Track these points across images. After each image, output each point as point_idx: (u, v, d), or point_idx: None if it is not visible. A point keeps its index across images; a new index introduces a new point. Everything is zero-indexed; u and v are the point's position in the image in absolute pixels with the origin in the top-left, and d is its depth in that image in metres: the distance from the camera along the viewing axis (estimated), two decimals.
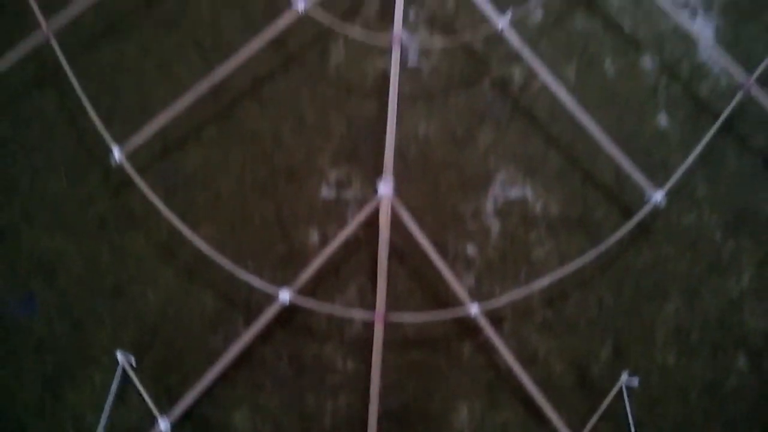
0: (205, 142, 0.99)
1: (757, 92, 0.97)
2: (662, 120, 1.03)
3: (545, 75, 0.97)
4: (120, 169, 0.90)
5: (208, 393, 0.85)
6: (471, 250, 0.95)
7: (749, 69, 1.01)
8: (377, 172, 0.93)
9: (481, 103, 1.04)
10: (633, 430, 0.85)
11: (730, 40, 1.09)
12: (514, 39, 0.98)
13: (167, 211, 0.88)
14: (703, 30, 1.10)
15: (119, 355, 0.85)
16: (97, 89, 0.99)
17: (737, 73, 0.98)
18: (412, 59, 1.07)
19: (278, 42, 1.00)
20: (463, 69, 1.06)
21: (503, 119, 1.03)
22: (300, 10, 0.98)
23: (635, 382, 0.87)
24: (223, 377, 0.86)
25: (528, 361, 0.88)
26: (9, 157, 0.97)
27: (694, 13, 1.11)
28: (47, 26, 0.95)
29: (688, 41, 1.05)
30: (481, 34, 1.01)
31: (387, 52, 1.00)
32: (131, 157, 0.91)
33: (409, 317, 0.87)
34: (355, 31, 1.01)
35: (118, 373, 0.84)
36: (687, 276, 0.94)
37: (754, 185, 0.99)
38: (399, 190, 0.92)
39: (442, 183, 0.98)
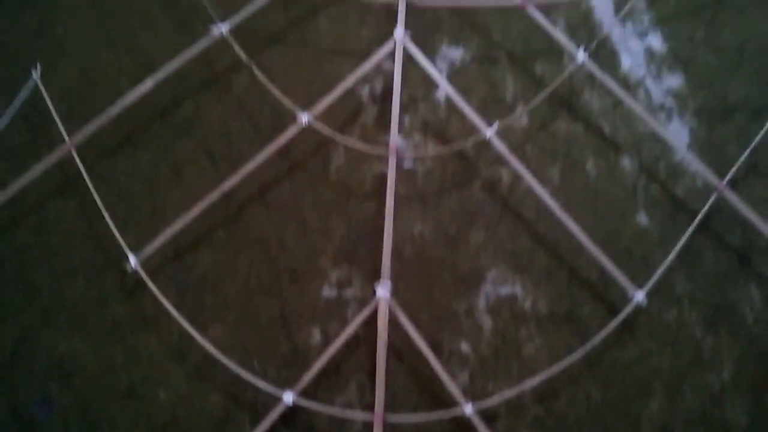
0: (215, 245, 1.05)
1: (729, 195, 1.04)
2: (642, 219, 1.10)
3: (530, 178, 1.04)
4: (135, 273, 0.96)
5: None
6: (465, 347, 0.99)
7: (723, 168, 1.08)
8: (376, 271, 0.99)
9: (472, 204, 1.11)
10: None
11: (704, 141, 1.17)
12: (500, 146, 1.06)
13: (178, 315, 0.93)
14: (678, 132, 1.18)
15: None
16: (114, 196, 1.06)
17: (710, 176, 1.05)
18: (408, 162, 1.15)
19: (283, 150, 1.07)
20: (454, 171, 1.14)
21: (493, 219, 1.10)
22: (303, 123, 1.06)
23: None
24: None
25: None
26: (31, 263, 1.03)
27: (669, 116, 1.19)
28: (70, 141, 1.03)
29: (664, 142, 1.12)
30: (471, 141, 1.09)
31: (384, 157, 1.08)
32: (145, 262, 0.97)
33: (406, 418, 0.91)
34: (353, 142, 1.09)
35: None
36: (669, 371, 0.98)
37: (731, 282, 1.05)
38: (396, 290, 0.97)
39: (437, 282, 1.04)
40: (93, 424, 0.93)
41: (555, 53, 1.21)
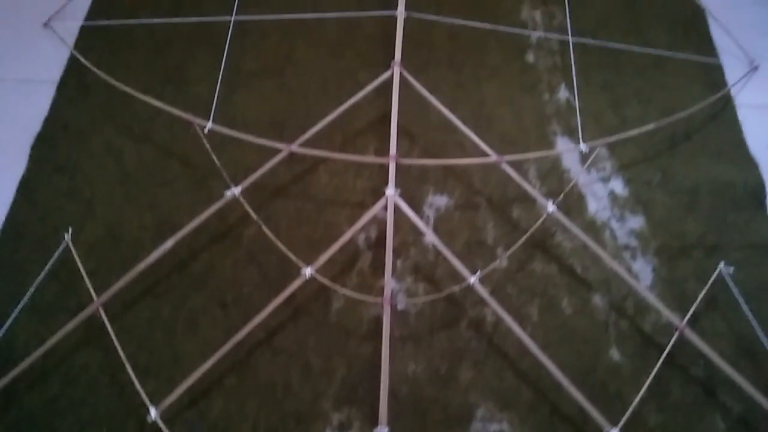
0: (227, 391, 1.15)
1: (689, 333, 1.15)
2: (614, 354, 1.21)
3: (510, 321, 1.15)
4: (154, 423, 1.06)
5: None
6: None
7: (685, 303, 1.20)
8: (374, 413, 1.07)
9: (460, 342, 1.22)
10: None
11: (666, 278, 1.30)
12: (483, 292, 1.18)
13: None
14: (642, 270, 1.31)
15: None
16: (135, 345, 1.16)
17: (671, 317, 1.17)
18: (401, 304, 1.26)
19: (288, 298, 1.18)
20: (443, 312, 1.25)
21: (480, 356, 1.20)
22: (306, 276, 1.18)
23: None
24: None
25: None
26: (59, 413, 1.12)
27: (633, 255, 1.33)
28: (98, 300, 1.15)
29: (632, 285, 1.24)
30: (457, 287, 1.21)
31: (380, 303, 1.19)
32: (164, 412, 1.06)
33: None
34: (351, 292, 1.21)
35: None
36: None
37: (698, 413, 1.14)
38: (392, 428, 1.06)
39: (430, 421, 1.13)
40: None
41: (529, 199, 1.36)
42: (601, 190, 1.41)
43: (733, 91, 1.58)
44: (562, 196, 1.32)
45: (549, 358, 1.11)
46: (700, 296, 1.20)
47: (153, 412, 1.05)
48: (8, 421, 1.10)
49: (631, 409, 1.08)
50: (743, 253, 1.32)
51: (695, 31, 1.70)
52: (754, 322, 1.19)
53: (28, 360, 1.11)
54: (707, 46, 1.67)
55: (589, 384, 1.13)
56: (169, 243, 1.22)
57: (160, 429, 1.05)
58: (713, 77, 1.61)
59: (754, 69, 1.62)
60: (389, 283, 1.20)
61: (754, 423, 1.13)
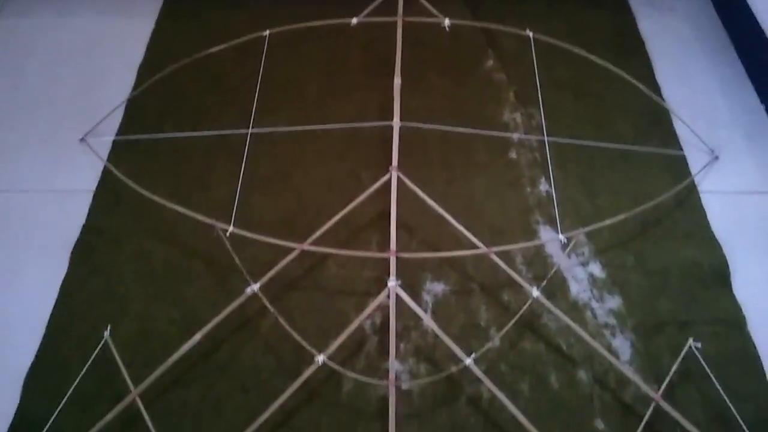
0: None
1: (665, 407, 1.28)
2: (599, 424, 1.33)
3: (503, 398, 1.28)
4: None
5: None
6: None
7: (662, 375, 1.34)
8: None
9: (460, 418, 1.35)
10: None
11: (642, 353, 1.44)
12: (479, 372, 1.31)
13: None
14: (621, 345, 1.45)
15: None
16: (165, 430, 1.28)
17: (648, 390, 1.30)
18: (405, 384, 1.40)
19: (303, 382, 1.32)
20: (443, 390, 1.39)
21: (478, 430, 1.33)
22: (319, 363, 1.32)
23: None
24: None
25: None
26: None
27: (613, 333, 1.47)
28: (135, 390, 1.29)
29: (611, 355, 1.38)
30: (455, 369, 1.34)
31: (386, 385, 1.32)
32: None
33: None
34: (359, 375, 1.35)
35: None
36: None
37: None
38: None
39: None
40: None
41: (517, 284, 1.50)
42: (581, 273, 1.57)
43: (696, 180, 1.76)
44: (545, 282, 1.48)
45: (541, 430, 1.24)
46: (673, 369, 1.34)
47: None
48: None
49: None
50: (711, 328, 1.46)
51: (660, 125, 1.90)
52: (723, 392, 1.32)
53: None
54: (671, 138, 1.87)
55: None
56: (198, 337, 1.36)
57: None
58: (678, 167, 1.80)
59: (715, 159, 1.81)
60: (393, 365, 1.33)
61: None
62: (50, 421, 1.29)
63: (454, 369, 1.35)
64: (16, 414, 1.34)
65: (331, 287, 1.55)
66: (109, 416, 1.26)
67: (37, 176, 1.77)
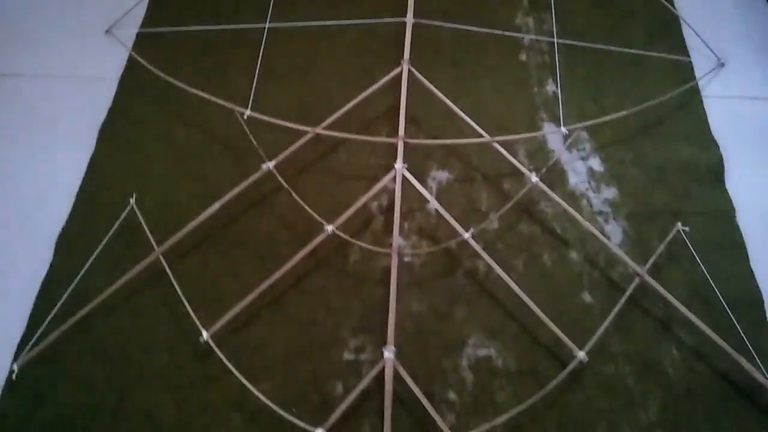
0: (263, 322, 1.38)
1: (648, 279, 1.37)
2: (587, 297, 1.43)
3: (499, 270, 1.38)
4: (206, 344, 1.30)
5: None
6: (452, 395, 1.29)
7: (649, 258, 1.42)
8: (384, 340, 1.30)
9: (457, 288, 1.45)
10: None
11: (634, 238, 1.52)
12: (476, 246, 1.41)
13: (239, 374, 1.25)
14: (614, 231, 1.54)
15: None
16: (187, 289, 1.39)
17: (634, 266, 1.39)
18: (407, 257, 1.50)
19: (313, 250, 1.42)
20: (443, 263, 1.49)
21: (473, 298, 1.43)
22: (329, 232, 1.43)
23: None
24: None
25: None
26: (126, 340, 1.36)
27: (606, 220, 1.55)
28: (158, 249, 1.41)
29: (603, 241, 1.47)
30: (454, 241, 1.44)
31: (389, 254, 1.42)
32: (211, 336, 1.30)
33: None
34: (366, 245, 1.46)
35: None
36: (608, 411, 1.26)
37: (656, 344, 1.35)
38: (399, 353, 1.28)
39: (430, 347, 1.36)
40: None
41: (518, 173, 1.59)
42: (580, 167, 1.64)
43: (700, 84, 1.80)
44: (545, 169, 1.55)
45: (531, 299, 1.34)
46: (660, 249, 1.43)
47: (205, 334, 1.29)
48: (86, 344, 1.35)
49: (596, 337, 1.30)
50: (702, 218, 1.53)
51: (670, 33, 1.93)
52: (707, 273, 1.41)
53: (101, 296, 1.35)
54: (680, 46, 1.90)
55: (564, 320, 1.34)
56: (216, 205, 1.47)
57: (209, 349, 1.29)
58: (684, 73, 1.84)
59: (721, 65, 1.85)
60: (397, 237, 1.44)
61: (703, 353, 1.34)
62: (78, 277, 1.39)
63: (453, 242, 1.45)
64: (48, 272, 1.45)
65: (342, 172, 1.64)
66: (134, 271, 1.38)
67: (64, 64, 1.85)
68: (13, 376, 1.28)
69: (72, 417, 1.27)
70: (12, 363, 1.30)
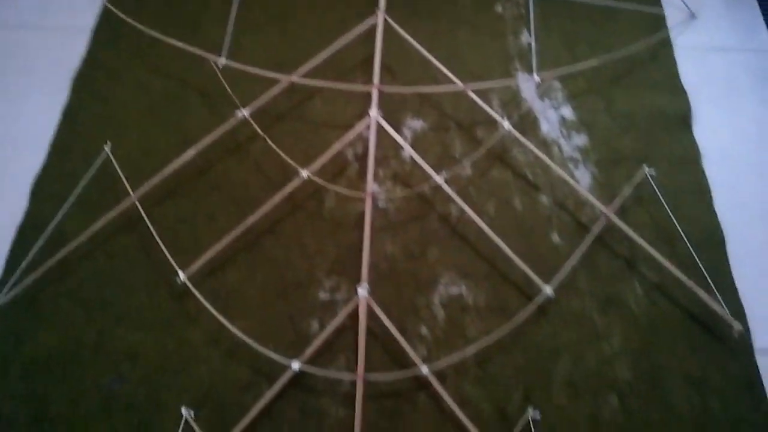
0: (239, 265, 1.41)
1: (614, 219, 1.41)
2: (555, 238, 1.47)
3: (471, 212, 1.42)
4: (183, 285, 1.32)
5: None
6: (424, 330, 1.33)
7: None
8: (359, 280, 1.33)
9: (430, 231, 1.48)
10: None
11: (602, 183, 1.56)
12: (449, 190, 1.44)
13: (215, 312, 1.28)
14: (583, 176, 1.57)
15: (183, 410, 1.21)
16: (163, 234, 1.41)
17: (600, 206, 1.43)
18: (381, 203, 1.53)
19: (289, 195, 1.45)
20: (416, 208, 1.52)
21: (445, 241, 1.46)
22: (304, 177, 1.45)
23: (538, 415, 1.21)
24: (255, 423, 1.19)
25: (464, 403, 1.21)
26: (105, 282, 1.38)
27: (576, 165, 1.59)
28: (134, 194, 1.42)
29: (572, 184, 1.50)
30: (427, 186, 1.47)
31: (364, 199, 1.45)
32: (188, 278, 1.33)
33: (380, 377, 1.23)
34: (340, 189, 1.48)
35: (183, 422, 1.20)
36: (574, 343, 1.31)
37: (620, 280, 1.40)
38: (373, 292, 1.32)
39: (403, 285, 1.39)
40: (154, 391, 1.26)
41: (491, 122, 1.62)
42: (552, 116, 1.67)
43: (672, 35, 1.83)
44: (517, 116, 1.58)
45: (501, 241, 1.37)
46: (626, 190, 1.47)
47: (181, 275, 1.32)
48: (64, 287, 1.37)
49: (563, 274, 1.34)
50: (668, 163, 1.57)
51: None
52: (672, 215, 1.45)
53: (77, 239, 1.37)
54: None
55: (533, 260, 1.37)
56: (191, 152, 1.48)
57: (186, 290, 1.32)
58: (656, 25, 1.86)
59: (692, 17, 1.87)
60: (371, 181, 1.46)
61: (666, 289, 1.38)
62: (54, 222, 1.41)
63: (426, 186, 1.48)
64: (24, 218, 1.46)
65: (317, 121, 1.65)
66: (110, 214, 1.40)
67: (38, 13, 1.84)
68: None
69: (53, 355, 1.29)
70: None
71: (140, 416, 1.23)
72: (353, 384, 1.23)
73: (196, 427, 1.19)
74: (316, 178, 1.44)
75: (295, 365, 1.23)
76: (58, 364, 1.28)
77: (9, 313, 1.32)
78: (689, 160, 1.59)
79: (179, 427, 1.19)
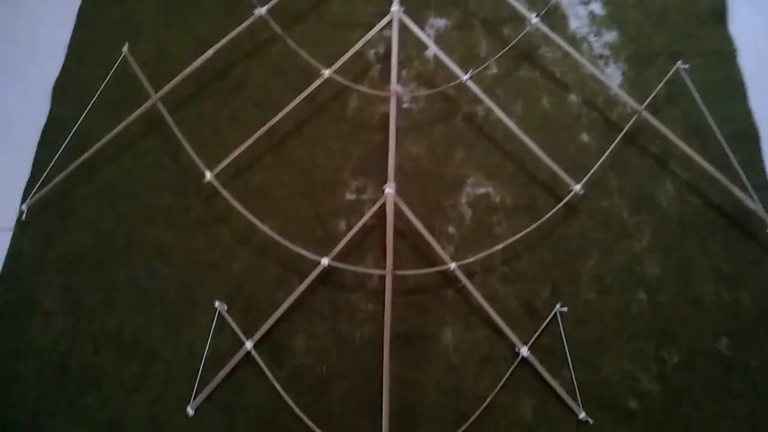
0: (265, 166, 1.41)
1: (646, 115, 1.38)
2: (584, 137, 1.44)
3: (498, 111, 1.38)
4: (209, 185, 1.32)
5: (276, 326, 1.21)
6: (451, 229, 1.34)
7: (646, 100, 1.42)
8: (385, 181, 1.32)
9: (455, 132, 1.46)
10: (564, 341, 1.21)
11: (633, 80, 1.51)
12: (475, 88, 1.40)
13: (244, 210, 1.28)
14: (613, 74, 1.52)
15: (217, 304, 1.24)
16: (186, 136, 1.39)
17: (633, 103, 1.39)
18: (405, 103, 1.50)
19: (311, 97, 1.41)
20: (441, 108, 1.49)
21: (471, 141, 1.44)
22: (326, 75, 1.41)
23: (565, 309, 1.24)
24: (286, 316, 1.22)
25: (491, 299, 1.23)
26: (132, 182, 1.39)
27: (606, 63, 1.54)
28: (156, 95, 1.40)
29: (602, 82, 1.46)
30: (453, 84, 1.43)
31: (388, 99, 1.42)
32: (216, 177, 1.32)
33: (409, 272, 1.25)
34: (364, 88, 1.45)
35: (216, 315, 1.23)
36: (603, 241, 1.31)
37: (651, 179, 1.38)
38: (399, 193, 1.30)
39: (430, 186, 1.38)
40: (187, 287, 1.28)
41: (518, 19, 1.55)
42: (582, 11, 1.60)
43: None
44: (545, 10, 1.52)
45: (529, 140, 1.35)
46: (659, 86, 1.42)
47: (208, 174, 1.31)
48: (92, 188, 1.38)
49: (592, 171, 1.32)
50: (703, 59, 1.51)
51: None
52: (705, 110, 1.41)
53: (103, 140, 1.36)
54: None
55: (562, 159, 1.34)
56: (210, 52, 1.44)
57: (213, 190, 1.32)
58: None
59: None
60: (395, 79, 1.42)
61: (697, 186, 1.36)
62: (78, 123, 1.40)
63: (452, 84, 1.44)
64: (47, 120, 1.45)
65: (337, 20, 1.60)
66: (134, 115, 1.38)
67: None
68: (23, 216, 1.31)
69: (84, 252, 1.31)
70: (21, 204, 1.33)
71: (174, 310, 1.26)
72: (382, 280, 1.24)
73: (230, 320, 1.22)
74: (338, 77, 1.40)
75: (325, 261, 1.23)
76: (92, 260, 1.31)
77: (40, 213, 1.34)
78: (724, 56, 1.53)
79: (213, 321, 1.22)
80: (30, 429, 1.18)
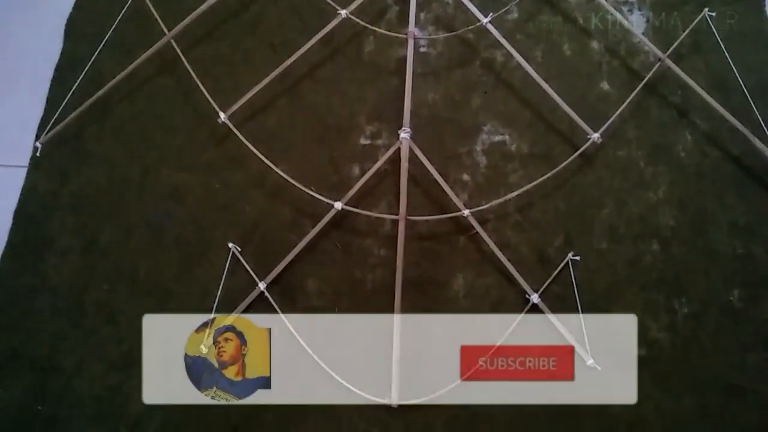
0: (279, 109, 1.39)
1: (670, 64, 1.34)
2: (605, 86, 1.41)
3: (517, 56, 1.35)
4: (223, 126, 1.31)
5: (289, 268, 1.22)
6: (465, 177, 1.32)
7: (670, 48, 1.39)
8: (400, 126, 1.30)
9: (473, 77, 1.43)
10: (575, 290, 1.21)
11: (657, 28, 1.47)
12: (495, 32, 1.37)
13: (258, 153, 1.27)
14: (637, 21, 1.48)
15: (230, 245, 1.25)
16: (201, 76, 1.37)
17: (656, 50, 1.36)
18: (422, 48, 1.47)
19: (327, 39, 1.39)
20: (459, 53, 1.46)
21: (488, 88, 1.42)
22: (343, 15, 1.38)
23: (577, 258, 1.23)
24: (299, 259, 1.22)
25: (503, 246, 1.22)
26: (146, 122, 1.38)
27: (631, 9, 1.49)
28: (169, 33, 1.37)
29: (625, 29, 1.42)
30: (472, 27, 1.40)
31: (405, 42, 1.39)
32: (230, 118, 1.31)
33: (422, 218, 1.25)
34: (381, 30, 1.42)
35: (230, 256, 1.24)
36: (618, 191, 1.30)
37: (670, 130, 1.35)
38: (414, 138, 1.29)
39: (445, 133, 1.37)
40: (201, 227, 1.29)
41: None
42: None
43: None
44: None
45: (548, 87, 1.32)
46: (684, 33, 1.38)
47: (222, 115, 1.30)
48: (106, 126, 1.38)
49: (611, 120, 1.30)
50: (730, 7, 1.47)
51: None
52: (729, 60, 1.37)
53: (116, 78, 1.35)
54: None
55: (581, 108, 1.32)
56: None
57: (227, 132, 1.30)
58: None
59: None
60: (413, 20, 1.39)
61: (717, 138, 1.34)
62: (91, 61, 1.38)
63: (472, 27, 1.40)
64: (60, 57, 1.44)
65: None
66: (148, 53, 1.36)
67: None
68: (37, 153, 1.31)
69: (100, 192, 1.32)
70: (35, 141, 1.33)
71: (188, 250, 1.27)
72: (395, 225, 1.24)
73: (243, 261, 1.22)
74: (355, 18, 1.37)
75: (338, 205, 1.23)
76: (106, 199, 1.31)
77: (54, 151, 1.34)
78: (752, 4, 1.48)
79: (226, 261, 1.23)
80: (46, 362, 1.20)
